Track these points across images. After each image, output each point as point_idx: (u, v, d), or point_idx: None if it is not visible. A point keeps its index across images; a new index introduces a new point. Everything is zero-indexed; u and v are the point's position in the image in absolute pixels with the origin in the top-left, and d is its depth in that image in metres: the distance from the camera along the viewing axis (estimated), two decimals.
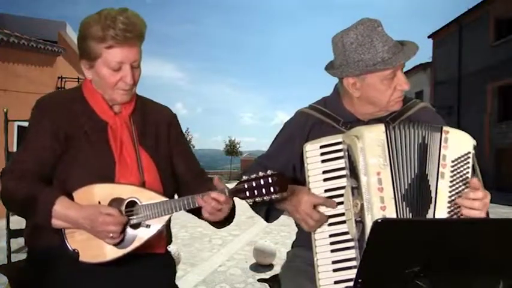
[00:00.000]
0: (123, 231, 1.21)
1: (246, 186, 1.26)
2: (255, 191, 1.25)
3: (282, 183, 1.25)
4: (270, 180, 1.24)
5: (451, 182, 1.18)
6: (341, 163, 1.27)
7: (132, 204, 1.25)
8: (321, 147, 1.29)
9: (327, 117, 1.45)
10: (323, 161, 1.29)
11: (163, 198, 1.26)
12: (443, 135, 1.21)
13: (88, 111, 1.35)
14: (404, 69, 1.37)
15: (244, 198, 1.27)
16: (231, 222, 1.43)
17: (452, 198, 1.18)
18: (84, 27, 1.29)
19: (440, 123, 1.31)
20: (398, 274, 0.88)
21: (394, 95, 1.34)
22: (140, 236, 1.24)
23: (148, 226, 1.25)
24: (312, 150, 1.30)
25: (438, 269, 0.89)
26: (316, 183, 1.29)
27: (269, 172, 1.25)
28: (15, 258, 1.75)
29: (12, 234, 1.78)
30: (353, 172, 1.21)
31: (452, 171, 1.19)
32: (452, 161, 1.19)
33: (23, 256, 1.40)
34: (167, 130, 1.49)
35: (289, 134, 1.53)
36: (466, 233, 0.87)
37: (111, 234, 1.17)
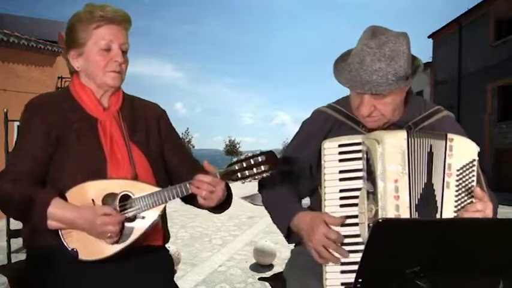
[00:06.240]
0: (122, 229, 1.22)
1: (236, 167, 1.26)
2: (246, 172, 1.25)
3: (272, 160, 1.24)
4: (260, 159, 1.24)
5: (457, 191, 1.16)
6: (359, 164, 1.23)
7: (125, 198, 1.25)
8: (340, 146, 1.25)
9: (347, 119, 1.41)
10: (340, 160, 1.25)
11: (156, 189, 1.27)
12: (448, 143, 1.18)
13: (77, 109, 1.36)
14: None
15: (236, 179, 1.27)
16: (229, 207, 1.43)
17: (458, 208, 1.16)
18: (72, 19, 1.36)
19: (460, 132, 1.28)
20: (398, 274, 0.88)
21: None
22: (137, 228, 1.25)
23: (143, 218, 1.25)
24: (330, 148, 1.26)
25: (438, 269, 0.89)
26: (332, 182, 1.25)
27: (258, 152, 1.26)
28: (15, 258, 1.76)
29: (12, 234, 1.78)
30: (370, 176, 1.18)
31: (457, 180, 1.17)
32: (458, 170, 1.17)
33: (23, 256, 1.40)
34: (157, 125, 1.50)
35: (307, 134, 1.49)
36: (466, 233, 0.87)
37: (109, 234, 1.18)
